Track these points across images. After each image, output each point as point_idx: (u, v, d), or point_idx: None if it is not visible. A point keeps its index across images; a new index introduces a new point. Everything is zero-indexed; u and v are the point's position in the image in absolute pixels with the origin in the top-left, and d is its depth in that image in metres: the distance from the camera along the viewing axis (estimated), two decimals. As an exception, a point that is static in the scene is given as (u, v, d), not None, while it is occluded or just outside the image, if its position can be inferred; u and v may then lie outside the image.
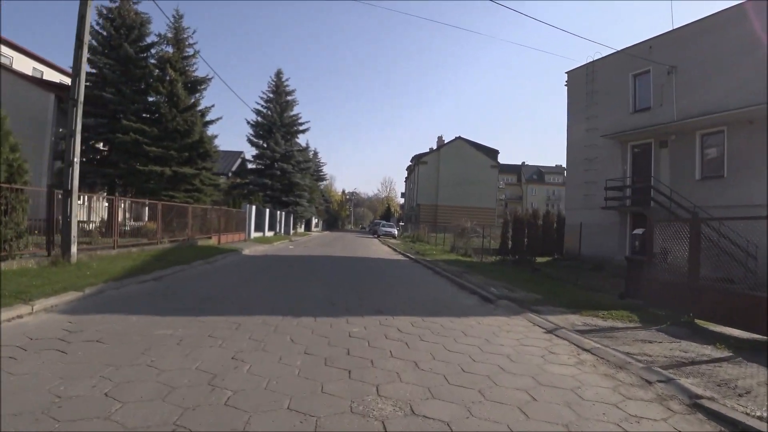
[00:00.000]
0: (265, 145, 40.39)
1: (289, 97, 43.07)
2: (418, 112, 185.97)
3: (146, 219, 22.15)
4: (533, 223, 30.41)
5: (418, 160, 78.67)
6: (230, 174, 41.87)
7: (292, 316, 6.78)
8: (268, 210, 31.58)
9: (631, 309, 9.38)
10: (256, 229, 28.51)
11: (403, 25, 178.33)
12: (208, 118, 27.79)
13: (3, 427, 2.97)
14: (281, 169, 39.59)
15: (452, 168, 74.49)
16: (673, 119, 19.81)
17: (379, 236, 49.06)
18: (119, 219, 22.87)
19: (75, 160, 9.77)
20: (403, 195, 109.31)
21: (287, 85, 43.23)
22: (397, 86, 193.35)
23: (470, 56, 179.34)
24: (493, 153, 77.91)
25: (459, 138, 77.10)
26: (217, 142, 28.21)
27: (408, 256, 22.80)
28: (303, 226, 50.15)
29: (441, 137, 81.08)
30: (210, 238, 20.18)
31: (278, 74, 43.00)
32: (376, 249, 28.58)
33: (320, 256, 19.55)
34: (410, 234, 50.19)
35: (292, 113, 42.77)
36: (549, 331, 7.03)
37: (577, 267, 20.21)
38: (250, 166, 42.55)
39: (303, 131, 43.58)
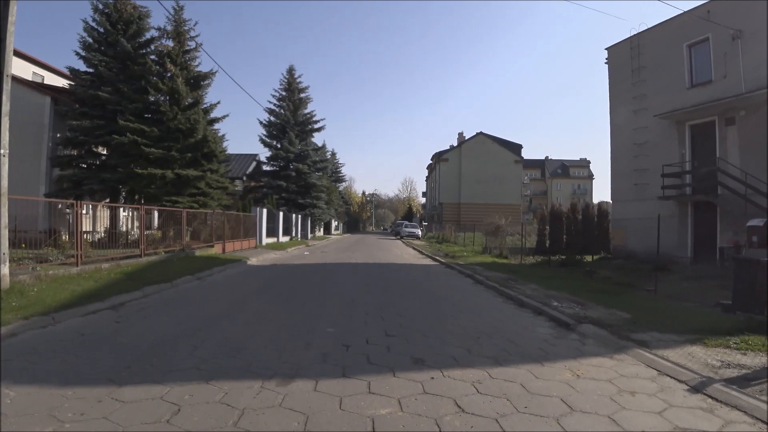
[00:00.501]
0: (278, 146, 38.19)
1: (302, 95, 40.83)
2: (436, 109, 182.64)
3: (156, 227, 20.22)
4: (572, 218, 27.60)
5: (438, 157, 75.97)
6: (245, 177, 39.77)
7: (279, 378, 4.17)
8: (281, 213, 29.20)
9: (758, 330, 6.66)
10: (269, 235, 26.17)
11: (418, 18, 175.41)
12: (214, 116, 25.62)
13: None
14: (296, 170, 37.29)
15: (475, 164, 71.77)
16: (741, 92, 16.85)
17: (402, 237, 46.45)
18: (125, 228, 20.99)
19: (2, 152, 7.40)
20: (424, 194, 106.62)
21: (300, 82, 41.01)
22: (415, 84, 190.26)
23: (490, 50, 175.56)
24: (516, 148, 74.85)
25: (480, 133, 74.27)
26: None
27: (437, 260, 20.17)
28: (322, 230, 47.84)
29: (462, 133, 78.48)
30: (212, 246, 17.82)
31: (290, 71, 40.79)
32: (401, 252, 26.02)
33: (337, 264, 17.01)
34: (434, 234, 47.55)
35: (305, 111, 40.50)
36: (695, 389, 4.33)
37: (634, 268, 17.36)
38: (265, 168, 40.33)
39: (318, 130, 41.25)
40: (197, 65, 25.15)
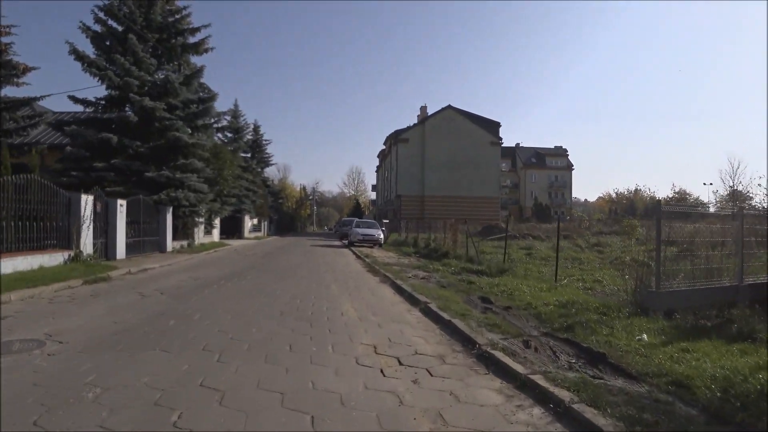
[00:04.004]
0: (113, 69, 18.98)
1: (166, -20, 21.72)
2: (387, 93, 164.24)
3: None
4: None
5: (395, 138, 58.28)
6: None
7: None
8: None
9: None
10: None
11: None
12: None
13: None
14: (143, 112, 18.30)
15: (442, 146, 55.15)
16: None
17: (352, 243, 27.90)
18: None
19: None
20: (374, 188, 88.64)
21: (163, -41, 21.83)
22: (358, 64, 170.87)
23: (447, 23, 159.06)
24: (493, 126, 58.59)
25: (449, 107, 57.49)
26: None
27: None
28: (216, 231, 28.65)
29: (425, 108, 61.47)
30: None
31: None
32: (382, 360, 7.68)
33: None
34: (404, 238, 29.57)
35: (170, 8, 21.42)
36: None
37: None
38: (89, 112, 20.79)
39: (198, 49, 21.86)
40: None
